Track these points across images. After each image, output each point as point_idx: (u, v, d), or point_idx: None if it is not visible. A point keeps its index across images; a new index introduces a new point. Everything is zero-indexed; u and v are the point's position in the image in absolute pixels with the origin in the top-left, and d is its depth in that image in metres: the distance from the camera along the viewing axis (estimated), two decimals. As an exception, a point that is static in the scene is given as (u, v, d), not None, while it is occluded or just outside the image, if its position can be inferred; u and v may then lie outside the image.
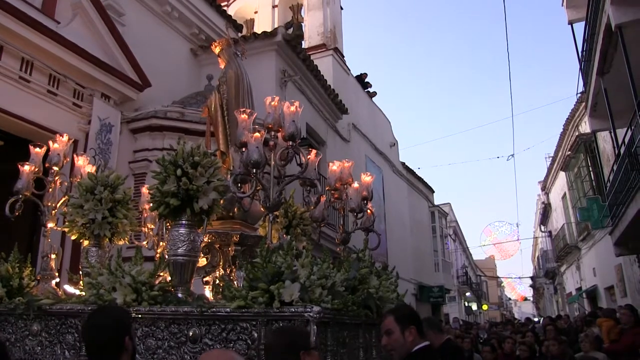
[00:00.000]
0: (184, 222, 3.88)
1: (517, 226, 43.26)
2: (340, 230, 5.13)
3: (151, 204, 3.95)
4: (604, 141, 14.54)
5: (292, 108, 4.19)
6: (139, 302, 3.46)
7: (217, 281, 4.64)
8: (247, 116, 4.20)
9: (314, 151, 4.66)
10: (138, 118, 8.92)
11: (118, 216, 4.47)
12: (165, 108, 9.04)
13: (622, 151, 9.98)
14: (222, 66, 5.73)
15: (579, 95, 15.13)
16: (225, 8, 14.11)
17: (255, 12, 16.26)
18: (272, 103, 4.27)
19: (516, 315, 48.65)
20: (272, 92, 9.65)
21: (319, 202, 4.93)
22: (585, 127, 15.77)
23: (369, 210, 5.05)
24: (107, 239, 4.53)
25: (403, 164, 20.31)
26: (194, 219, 3.90)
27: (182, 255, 3.83)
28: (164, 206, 3.79)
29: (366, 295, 3.86)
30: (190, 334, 3.27)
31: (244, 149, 4.09)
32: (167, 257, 3.91)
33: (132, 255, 3.80)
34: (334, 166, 4.92)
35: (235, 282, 4.44)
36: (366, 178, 5.10)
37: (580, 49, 11.90)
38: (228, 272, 4.69)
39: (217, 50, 5.82)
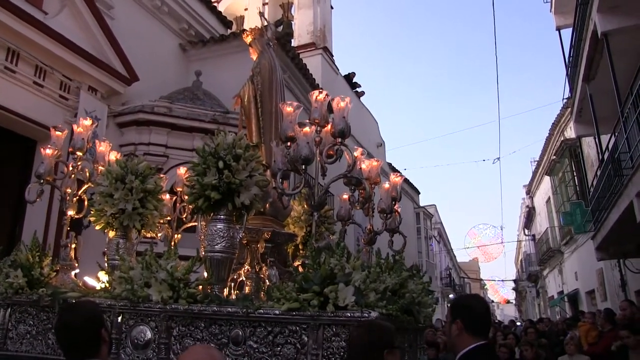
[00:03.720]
0: (222, 217, 3.73)
1: (501, 229, 43.32)
2: (368, 230, 4.98)
3: (188, 197, 3.79)
4: (589, 147, 14.68)
5: (342, 104, 4.01)
6: (175, 300, 3.30)
7: (244, 278, 4.49)
8: (292, 109, 4.01)
9: (359, 149, 4.57)
10: (125, 112, 8.87)
11: (148, 207, 4.27)
12: (152, 103, 9.00)
13: (605, 157, 10.09)
14: (253, 57, 5.55)
15: (565, 100, 15.27)
16: (215, 4, 14.06)
17: (245, 9, 16.18)
18: (319, 97, 4.08)
19: (499, 318, 48.96)
20: (260, 89, 9.66)
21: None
22: (570, 133, 15.91)
23: (396, 212, 4.95)
24: (136, 231, 4.33)
25: (389, 164, 20.35)
26: (232, 214, 3.75)
27: (220, 252, 3.70)
28: (203, 199, 3.64)
29: (409, 300, 3.70)
30: (233, 335, 3.13)
31: (289, 144, 3.91)
32: (203, 253, 3.75)
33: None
34: (363, 164, 4.74)
35: (266, 281, 4.34)
36: (395, 178, 5.00)
37: (567, 55, 12.02)
38: (257, 270, 4.52)
39: (248, 39, 5.64)
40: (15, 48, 7.17)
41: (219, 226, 3.71)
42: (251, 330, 3.10)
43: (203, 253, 3.76)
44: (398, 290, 3.62)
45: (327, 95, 4.12)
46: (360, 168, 4.56)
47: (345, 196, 4.98)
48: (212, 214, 3.78)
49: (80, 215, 4.75)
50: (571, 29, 10.98)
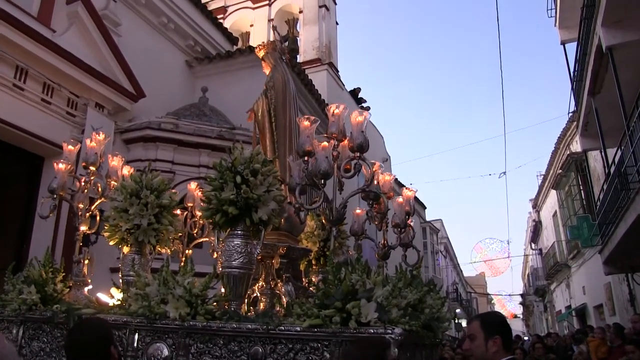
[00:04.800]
0: (240, 232, 3.69)
1: (508, 243, 43.11)
2: (382, 244, 4.92)
3: (204, 212, 3.74)
4: (595, 160, 14.64)
5: (360, 118, 3.93)
6: (193, 316, 3.26)
7: (258, 294, 4.41)
8: (309, 123, 3.94)
9: (377, 163, 4.49)
10: (131, 128, 8.92)
11: (163, 222, 4.20)
12: (159, 119, 9.04)
13: (612, 171, 10.06)
14: (265, 71, 5.53)
15: (570, 114, 15.27)
16: (221, 21, 14.18)
17: (251, 26, 16.35)
18: (336, 111, 4.02)
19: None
20: (266, 105, 9.70)
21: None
22: (576, 146, 15.88)
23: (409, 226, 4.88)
24: (151, 247, 4.25)
25: (395, 179, 20.32)
26: (250, 230, 3.71)
27: (238, 268, 3.64)
28: (220, 214, 3.60)
29: (429, 315, 3.63)
30: (252, 352, 3.05)
31: (306, 158, 3.83)
32: (220, 268, 3.71)
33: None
34: (375, 180, 4.59)
35: (282, 297, 4.27)
36: (409, 192, 4.92)
37: (572, 69, 12.03)
38: (272, 285, 4.45)
39: (261, 54, 5.62)
40: (24, 66, 7.23)
41: (236, 242, 3.67)
42: (271, 348, 3.05)
43: (220, 269, 3.71)
44: (417, 305, 3.55)
45: (344, 109, 4.07)
46: (378, 182, 4.50)
47: (359, 211, 4.92)
48: (229, 230, 3.74)
49: (93, 231, 4.75)
50: (576, 43, 11.01)
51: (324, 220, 4.97)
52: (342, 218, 4.07)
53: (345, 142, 4.04)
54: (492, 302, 54.86)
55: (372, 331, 2.83)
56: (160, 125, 8.92)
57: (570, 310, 21.01)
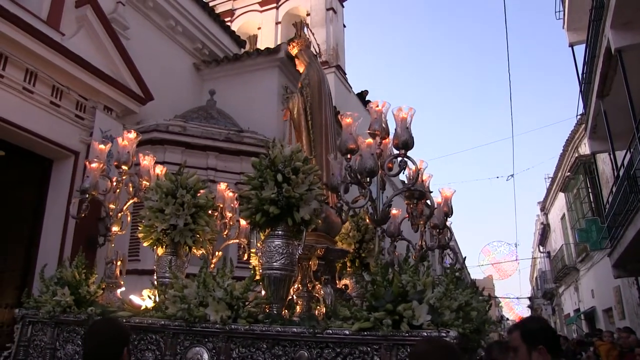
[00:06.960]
0: (280, 232, 3.57)
1: (516, 246, 43.02)
2: (419, 245, 4.75)
3: (243, 211, 3.62)
4: (604, 163, 14.58)
5: (403, 114, 3.77)
6: (234, 320, 3.16)
7: (295, 297, 4.27)
8: (352, 120, 3.80)
9: (421, 160, 4.34)
10: (139, 131, 8.90)
11: (200, 223, 4.09)
12: (167, 122, 9.05)
13: (621, 173, 10.00)
14: (299, 68, 5.40)
15: (579, 117, 15.20)
16: (229, 24, 14.21)
17: (259, 29, 16.36)
18: (377, 108, 3.88)
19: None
20: (273, 107, 9.71)
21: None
22: (585, 149, 15.83)
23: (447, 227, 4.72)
24: (187, 248, 4.14)
25: (403, 182, 20.30)
26: (291, 230, 3.60)
27: (279, 270, 3.51)
28: (260, 214, 3.50)
29: (480, 319, 3.43)
30: (298, 357, 2.96)
31: (349, 156, 3.69)
32: (260, 270, 3.59)
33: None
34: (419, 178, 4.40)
35: (321, 300, 4.15)
36: (447, 192, 4.76)
37: (580, 72, 11.99)
38: (309, 288, 4.29)
39: (294, 51, 5.49)
40: (33, 69, 7.26)
41: (277, 242, 3.56)
42: (318, 352, 2.94)
43: (260, 270, 3.60)
44: (463, 308, 3.36)
45: (386, 104, 3.95)
46: (422, 181, 4.35)
47: (395, 211, 4.78)
48: (268, 230, 3.63)
49: (122, 232, 4.68)
50: (584, 45, 10.96)
51: (367, 219, 4.77)
52: (387, 218, 3.89)
53: (388, 139, 3.90)
54: (500, 305, 54.69)
55: (425, 334, 2.70)
56: (168, 128, 8.93)
57: (579, 313, 20.92)
